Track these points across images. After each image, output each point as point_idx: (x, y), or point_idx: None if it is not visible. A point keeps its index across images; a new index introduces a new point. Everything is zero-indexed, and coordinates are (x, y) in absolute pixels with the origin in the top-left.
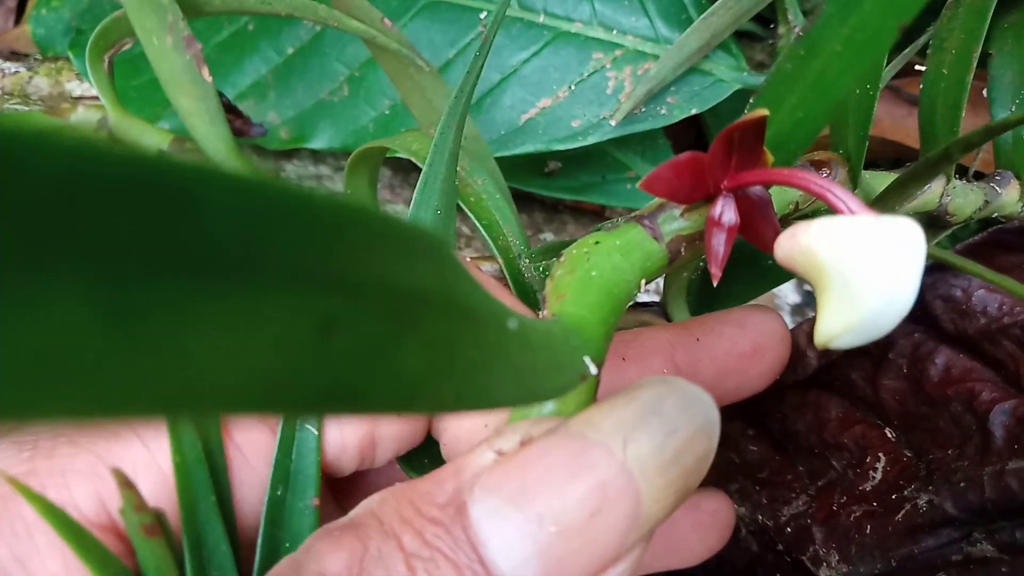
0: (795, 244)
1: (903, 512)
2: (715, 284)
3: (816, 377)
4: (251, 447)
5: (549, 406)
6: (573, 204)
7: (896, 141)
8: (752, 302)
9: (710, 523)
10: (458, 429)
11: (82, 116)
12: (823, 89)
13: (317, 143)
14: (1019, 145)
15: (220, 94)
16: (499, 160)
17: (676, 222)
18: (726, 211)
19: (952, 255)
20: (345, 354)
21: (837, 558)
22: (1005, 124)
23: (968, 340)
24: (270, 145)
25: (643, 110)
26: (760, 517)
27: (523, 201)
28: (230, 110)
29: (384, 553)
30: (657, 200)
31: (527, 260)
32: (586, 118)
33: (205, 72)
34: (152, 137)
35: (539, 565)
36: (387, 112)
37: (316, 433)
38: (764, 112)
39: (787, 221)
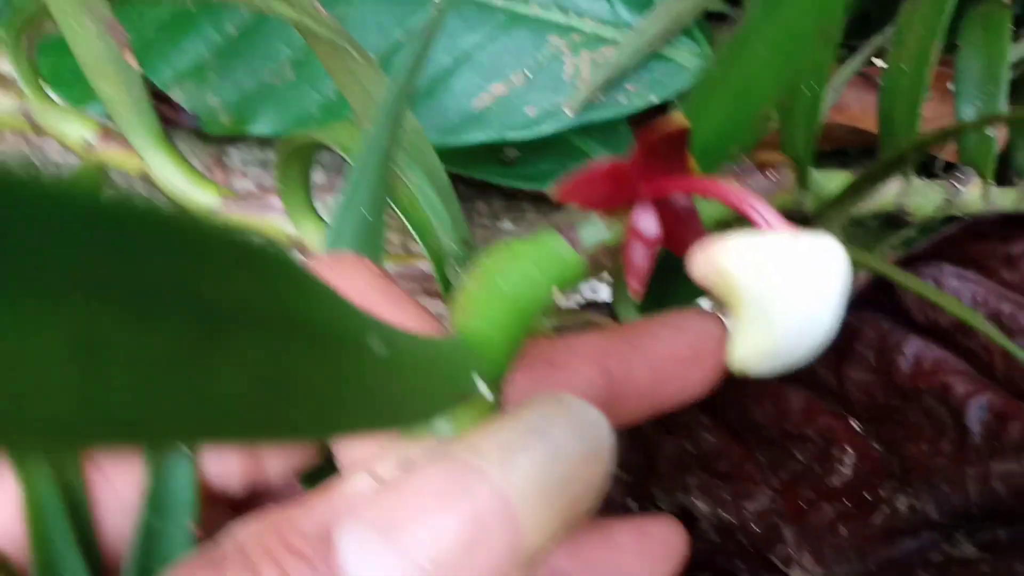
0: (707, 263)
1: (881, 515)
2: (634, 299)
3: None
4: (117, 472)
5: (445, 428)
6: (533, 191)
7: (866, 130)
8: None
9: (659, 553)
10: (352, 448)
11: (2, 103)
12: (748, 94)
13: (259, 128)
14: (982, 142)
15: (147, 80)
16: (452, 148)
17: (597, 232)
18: (646, 222)
19: (892, 268)
20: (117, 376)
21: (811, 560)
22: (961, 127)
23: (939, 331)
24: (211, 130)
25: (601, 98)
26: (723, 513)
27: (481, 188)
28: (159, 98)
29: None
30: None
31: (457, 267)
32: (542, 106)
33: (129, 58)
34: (75, 126)
35: None
36: (333, 97)
37: (189, 454)
38: (684, 121)
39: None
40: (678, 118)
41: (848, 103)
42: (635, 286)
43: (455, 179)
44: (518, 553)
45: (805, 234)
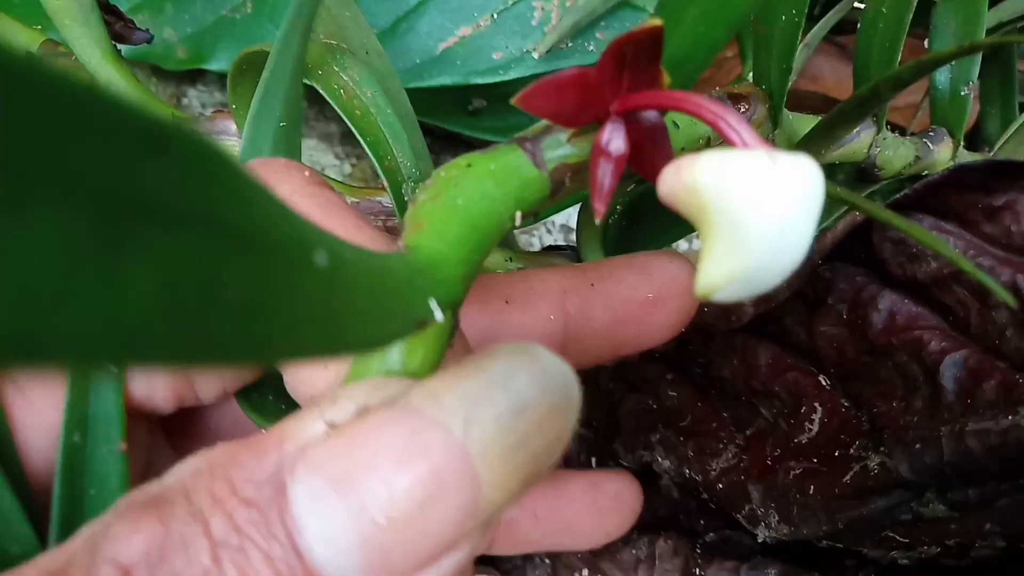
0: (679, 179)
1: (851, 473)
2: (597, 221)
3: (750, 326)
4: (37, 390)
5: (394, 356)
6: None
7: (838, 99)
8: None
9: (610, 507)
10: (303, 382)
11: None
12: (724, 3)
13: (216, 64)
14: (956, 101)
15: None
16: (417, 93)
17: (561, 148)
18: (614, 138)
19: (879, 208)
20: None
21: (777, 518)
22: (937, 58)
23: (916, 285)
24: (167, 65)
25: (569, 44)
26: (687, 471)
27: (448, 141)
28: (108, 10)
29: (188, 539)
30: (543, 122)
31: (412, 184)
32: (508, 50)
33: None
34: (20, 36)
35: (361, 556)
36: None
37: (114, 369)
38: (658, 22)
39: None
40: (652, 21)
41: (822, 72)
42: (599, 207)
43: (423, 131)
44: (476, 511)
45: (782, 153)
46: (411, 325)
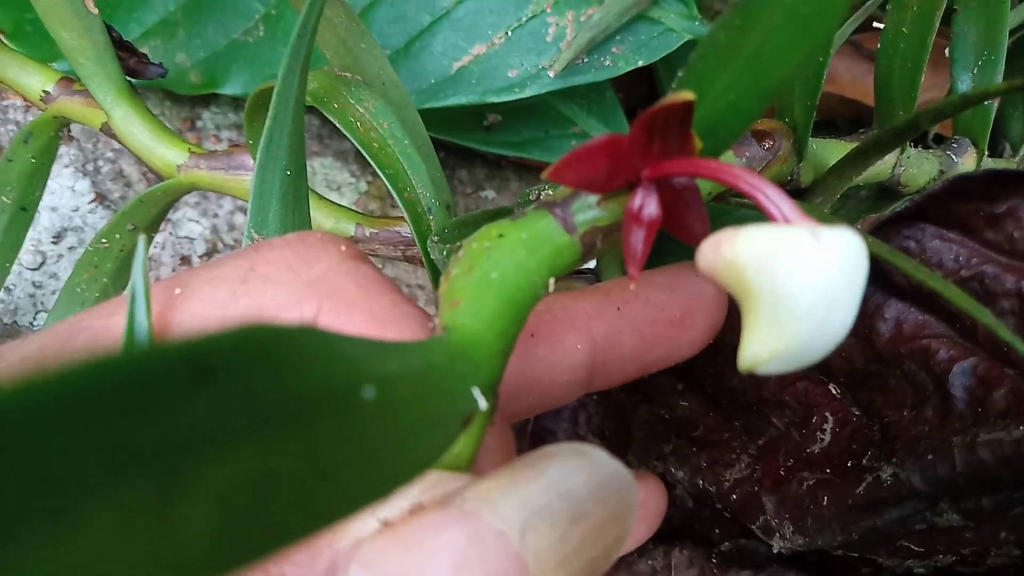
0: (718, 255)
1: (864, 484)
2: (632, 287)
3: None
4: None
5: None
6: (516, 160)
7: (855, 99)
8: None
9: (639, 516)
10: None
11: None
12: (760, 69)
13: (230, 88)
14: (979, 112)
15: (110, 28)
16: (432, 111)
17: (592, 211)
18: (647, 204)
19: (876, 243)
20: None
21: (791, 529)
22: (985, 93)
23: (921, 294)
24: (180, 90)
25: (585, 60)
26: (701, 482)
27: (464, 156)
28: (123, 47)
29: None
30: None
31: (435, 238)
32: (524, 68)
33: (89, 2)
34: (34, 76)
35: None
36: None
37: None
38: (690, 96)
39: (724, 198)
40: (683, 94)
41: (839, 72)
42: (633, 272)
43: (437, 147)
44: None
45: (825, 229)
46: (458, 425)
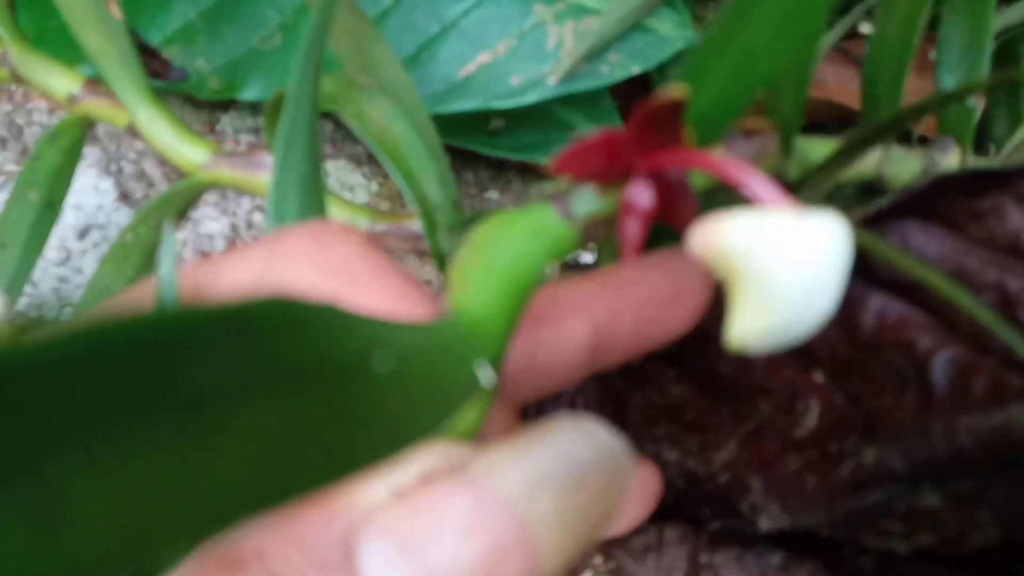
0: (707, 240)
1: (848, 467)
2: (628, 270)
3: None
4: None
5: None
6: (519, 163)
7: (843, 104)
8: None
9: (635, 497)
10: None
11: None
12: (752, 63)
13: (249, 94)
14: (963, 112)
15: (134, 32)
16: (439, 117)
17: (590, 203)
18: (642, 195)
19: (868, 236)
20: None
21: (777, 509)
22: (968, 87)
23: (903, 286)
24: (200, 94)
25: (584, 68)
26: (691, 464)
27: (468, 158)
28: (145, 50)
29: None
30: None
31: (447, 231)
32: (526, 75)
33: (113, 7)
34: (60, 78)
35: None
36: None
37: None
38: (682, 92)
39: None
40: (676, 89)
41: (826, 78)
42: (630, 260)
43: (443, 150)
44: None
45: (808, 212)
46: (464, 396)
